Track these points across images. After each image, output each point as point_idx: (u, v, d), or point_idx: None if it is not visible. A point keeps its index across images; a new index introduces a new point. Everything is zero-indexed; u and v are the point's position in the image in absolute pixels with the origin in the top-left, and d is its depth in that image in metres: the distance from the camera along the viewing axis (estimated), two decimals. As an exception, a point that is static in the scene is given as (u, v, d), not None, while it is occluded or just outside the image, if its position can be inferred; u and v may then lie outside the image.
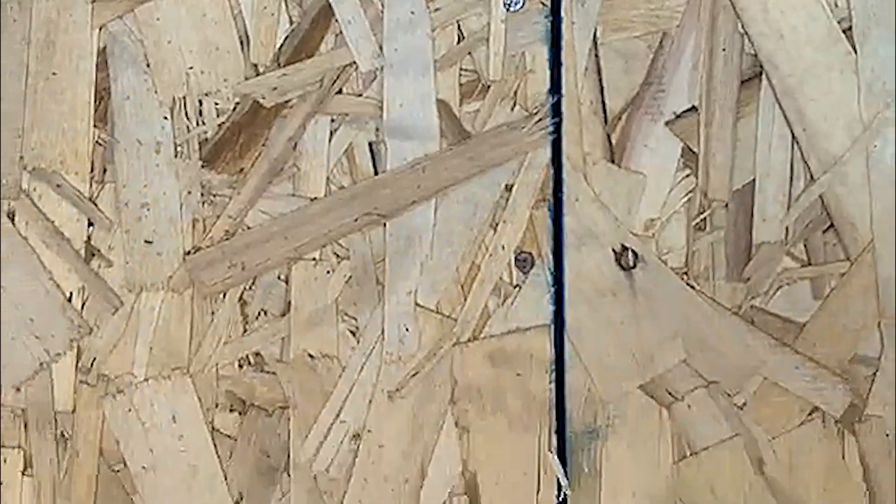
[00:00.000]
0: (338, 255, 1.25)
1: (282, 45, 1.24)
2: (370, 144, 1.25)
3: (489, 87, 1.24)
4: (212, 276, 1.25)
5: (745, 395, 1.26)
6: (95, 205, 1.25)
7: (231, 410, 1.27)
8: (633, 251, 1.24)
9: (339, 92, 1.24)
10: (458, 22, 1.23)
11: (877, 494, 1.26)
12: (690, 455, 1.26)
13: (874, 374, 1.25)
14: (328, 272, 1.26)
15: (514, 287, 1.25)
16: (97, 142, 1.25)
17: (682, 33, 1.23)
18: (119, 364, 1.26)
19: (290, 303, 1.26)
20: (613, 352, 1.25)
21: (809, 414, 1.26)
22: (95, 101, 1.24)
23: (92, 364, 1.26)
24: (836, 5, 1.21)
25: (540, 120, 1.23)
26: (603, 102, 1.24)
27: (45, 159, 1.24)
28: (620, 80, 1.24)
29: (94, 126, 1.25)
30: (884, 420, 1.25)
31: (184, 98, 1.24)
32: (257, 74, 1.24)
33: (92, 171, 1.25)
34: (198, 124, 1.25)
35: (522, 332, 1.26)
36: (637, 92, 1.24)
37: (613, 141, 1.25)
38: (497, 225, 1.25)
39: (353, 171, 1.25)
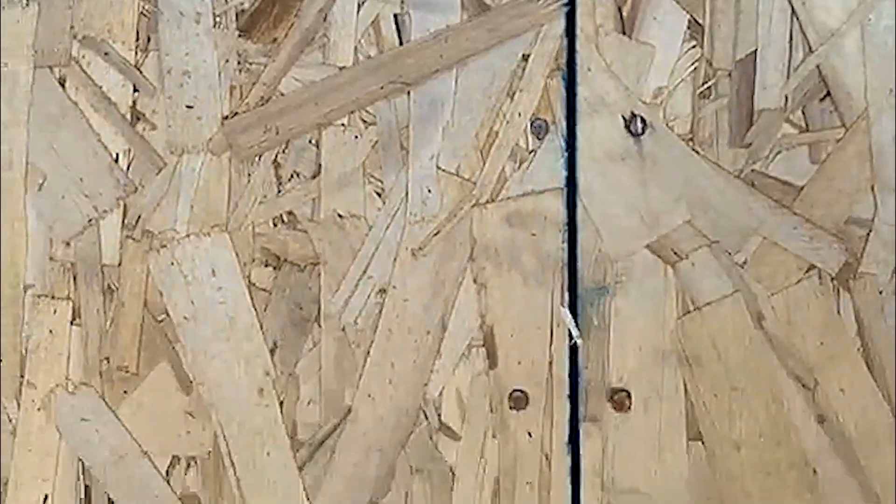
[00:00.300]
0: (365, 121, 1.35)
1: (313, -79, 1.33)
2: (395, 16, 1.34)
3: (507, -39, 1.33)
4: (248, 139, 1.35)
5: (746, 253, 1.35)
6: (140, 72, 1.36)
7: (266, 265, 1.38)
8: (641, 118, 1.34)
9: (367, -34, 1.34)
10: None
11: (870, 347, 1.36)
12: (694, 310, 1.36)
13: (868, 234, 1.34)
14: (356, 137, 1.36)
15: (530, 152, 1.35)
16: (142, 12, 1.35)
17: None
18: (162, 221, 1.36)
19: (320, 165, 1.36)
20: (622, 213, 1.35)
21: (806, 272, 1.36)
22: (140, -26, 1.35)
23: (137, 221, 1.37)
24: None
25: (555, -7, 1.33)
26: (614, -24, 1.33)
27: (93, 28, 1.35)
28: (631, -45, 1.33)
29: (139, -3, 1.35)
30: (877, 278, 1.34)
31: (222, -29, 1.34)
32: (290, -51, 1.34)
33: (137, 39, 1.36)
34: (235, -4, 1.35)
35: (537, 195, 1.35)
36: (647, -34, 1.33)
37: (624, 13, 1.34)
38: (514, 93, 1.34)
39: (380, 42, 1.35)
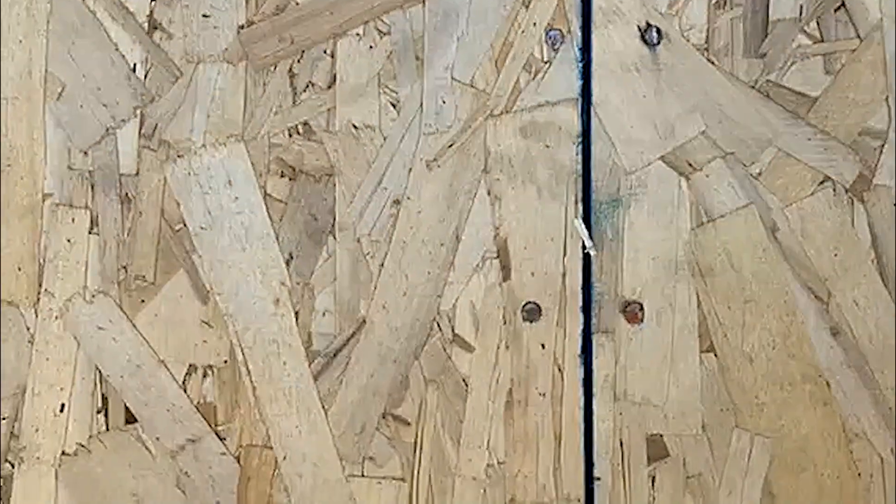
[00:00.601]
0: (380, 31, 1.38)
1: None
2: (411, -74, 1.37)
3: None
4: (263, 49, 1.38)
5: (761, 165, 1.38)
6: (157, -19, 1.39)
7: (282, 176, 1.41)
8: (657, 28, 1.36)
9: None
10: None
11: (884, 260, 1.38)
12: (708, 222, 1.39)
13: (882, 145, 1.36)
14: (371, 47, 1.39)
15: (545, 62, 1.38)
16: (159, -79, 1.39)
17: None
18: (179, 131, 1.40)
19: (335, 76, 1.39)
20: (637, 124, 1.38)
21: (821, 183, 1.38)
22: None
23: (154, 130, 1.40)
24: None
25: None
26: None
27: (111, -63, 1.39)
28: None
29: None
30: (891, 189, 1.36)
31: None
32: None
33: (154, -52, 1.39)
34: None
35: (552, 106, 1.38)
36: None
37: (639, -77, 1.36)
38: (529, 3, 1.37)
39: (395, -49, 1.38)
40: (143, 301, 1.42)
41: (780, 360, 1.39)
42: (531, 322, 1.41)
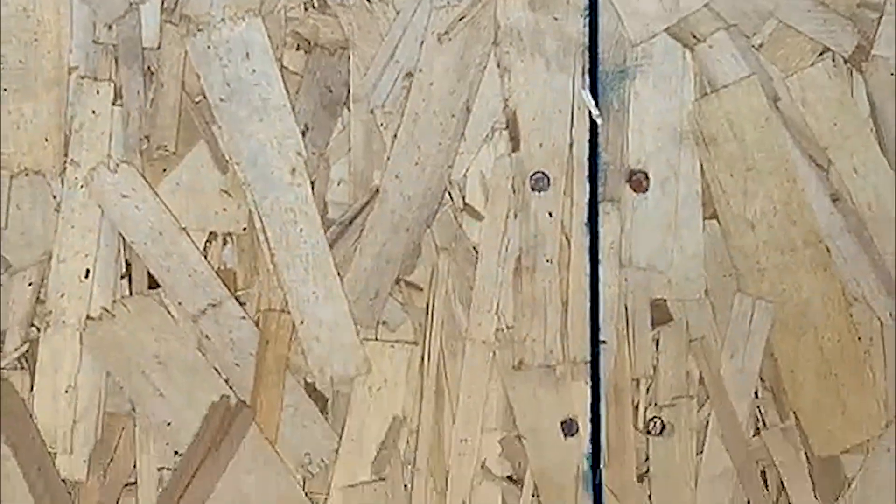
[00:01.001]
0: None
1: None
2: None
3: None
4: (280, -76, 1.46)
5: (762, 36, 1.45)
6: None
7: (297, 49, 1.48)
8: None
9: None
10: None
11: (881, 128, 1.44)
12: (711, 92, 1.46)
13: (880, 17, 1.43)
14: (384, -78, 1.46)
15: (552, -61, 1.45)
16: None
17: None
18: (199, 5, 1.47)
19: (349, -48, 1.47)
20: (642, -4, 1.45)
21: (820, 54, 1.45)
22: None
23: (175, 5, 1.48)
24: None
25: None
26: None
27: None
28: None
29: None
30: (888, 60, 1.43)
31: None
32: None
33: None
34: None
35: (560, -21, 1.45)
36: None
37: None
38: None
39: None
40: (164, 170, 1.50)
41: (781, 226, 1.46)
42: (539, 191, 1.48)
